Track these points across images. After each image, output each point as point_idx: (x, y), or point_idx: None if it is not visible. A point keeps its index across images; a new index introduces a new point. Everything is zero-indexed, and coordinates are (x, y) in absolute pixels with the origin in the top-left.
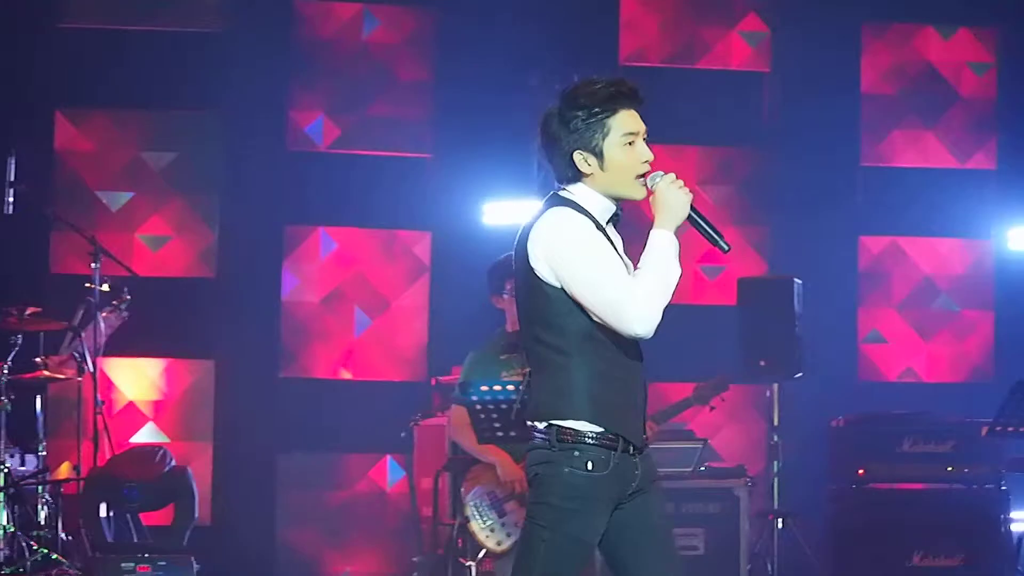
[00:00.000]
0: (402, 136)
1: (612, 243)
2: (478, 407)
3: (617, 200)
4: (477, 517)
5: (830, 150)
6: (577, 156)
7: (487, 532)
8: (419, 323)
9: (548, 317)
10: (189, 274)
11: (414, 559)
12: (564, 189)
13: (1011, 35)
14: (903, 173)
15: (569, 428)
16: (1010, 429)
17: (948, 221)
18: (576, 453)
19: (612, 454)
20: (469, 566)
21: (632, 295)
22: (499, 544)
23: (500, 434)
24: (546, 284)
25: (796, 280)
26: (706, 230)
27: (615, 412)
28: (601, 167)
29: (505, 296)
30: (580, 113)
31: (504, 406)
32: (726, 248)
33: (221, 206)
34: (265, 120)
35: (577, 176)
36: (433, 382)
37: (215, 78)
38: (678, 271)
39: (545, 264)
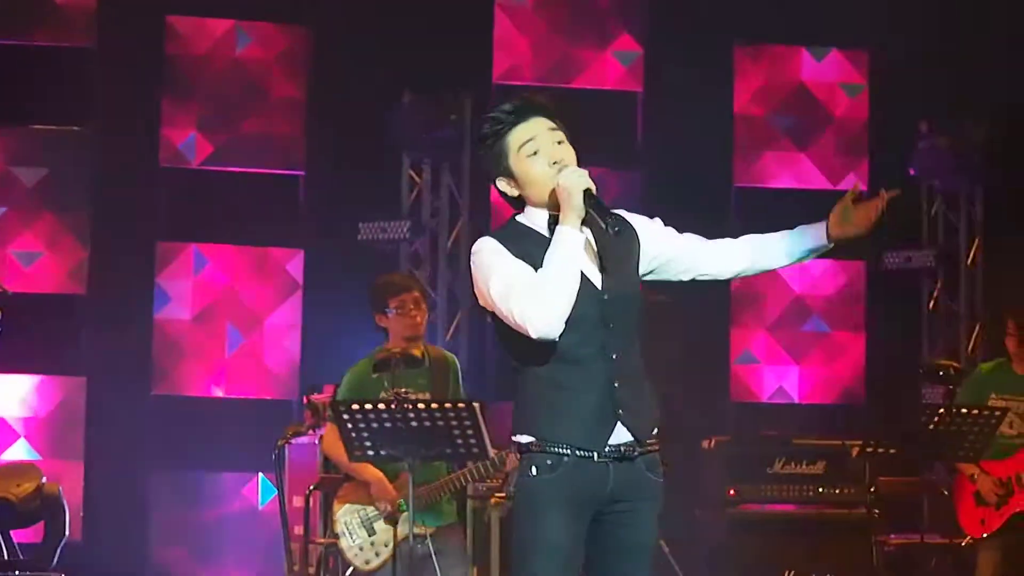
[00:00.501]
0: (275, 153)
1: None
2: (349, 425)
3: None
4: (347, 535)
5: (703, 171)
6: (500, 184)
7: (356, 551)
8: (291, 341)
9: (500, 340)
10: (61, 290)
11: None
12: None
13: (883, 56)
14: (775, 194)
15: (523, 442)
16: (880, 451)
17: None
18: (524, 463)
19: (561, 459)
20: None
21: (521, 299)
22: (367, 563)
23: (371, 453)
24: (488, 312)
25: (667, 300)
26: (597, 213)
27: (561, 421)
28: (520, 185)
29: (390, 314)
30: (484, 143)
31: (375, 425)
32: (611, 232)
33: (93, 222)
34: (137, 136)
35: (516, 200)
36: (305, 400)
37: (87, 94)
38: (574, 265)
39: (479, 293)
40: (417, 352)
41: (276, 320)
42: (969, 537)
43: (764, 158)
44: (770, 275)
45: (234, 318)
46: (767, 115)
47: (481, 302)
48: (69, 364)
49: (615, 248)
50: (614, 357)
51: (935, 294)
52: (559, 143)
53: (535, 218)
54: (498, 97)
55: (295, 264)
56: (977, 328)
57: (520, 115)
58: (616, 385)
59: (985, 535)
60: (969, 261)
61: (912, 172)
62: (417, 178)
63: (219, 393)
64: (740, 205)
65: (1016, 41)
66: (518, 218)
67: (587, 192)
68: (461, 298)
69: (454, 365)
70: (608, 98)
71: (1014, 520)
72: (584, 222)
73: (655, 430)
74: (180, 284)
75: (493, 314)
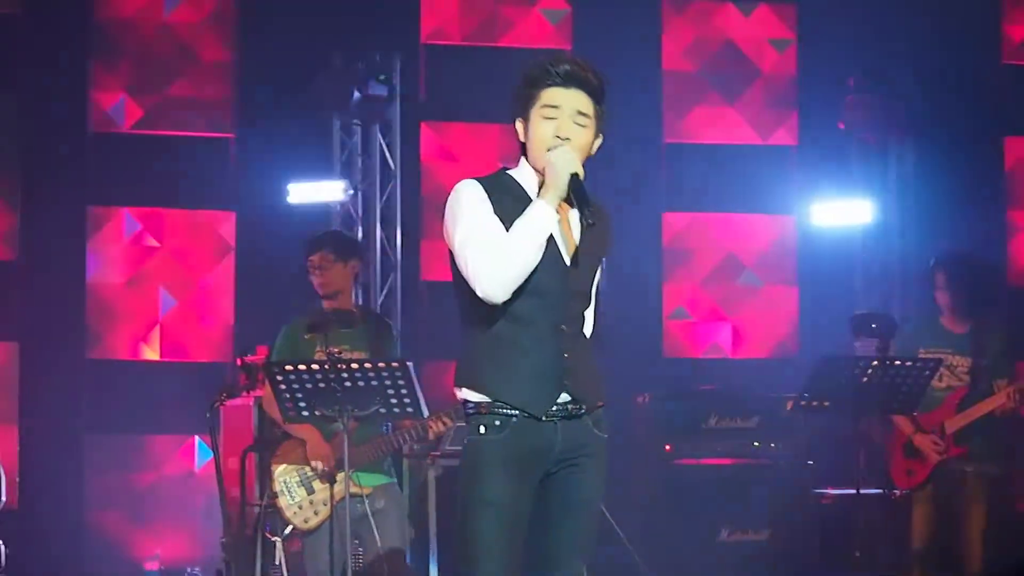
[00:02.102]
0: (205, 116)
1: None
2: (283, 387)
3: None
4: (286, 494)
5: (632, 127)
6: (517, 124)
7: (295, 509)
8: (225, 303)
9: (455, 286)
10: None
11: (222, 540)
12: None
13: (810, 12)
14: (705, 149)
15: (470, 399)
16: (814, 404)
17: (751, 197)
18: (472, 422)
19: (509, 419)
20: (275, 541)
21: (478, 253)
22: (306, 521)
23: (305, 413)
24: (450, 254)
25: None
26: (576, 199)
27: (508, 380)
28: (526, 135)
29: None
30: (524, 81)
31: (309, 385)
32: (587, 222)
33: (23, 188)
34: (66, 101)
35: (522, 146)
36: (239, 362)
37: (14, 59)
38: (538, 240)
39: (445, 232)
40: (352, 312)
41: (209, 283)
42: (899, 489)
43: (693, 114)
44: (701, 231)
45: (167, 281)
46: (696, 71)
47: (446, 239)
48: (1, 330)
49: (593, 232)
50: (564, 328)
51: (866, 247)
52: (578, 124)
53: (525, 175)
54: (559, 54)
55: (227, 227)
56: (909, 280)
57: (567, 80)
58: (566, 356)
59: (913, 486)
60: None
61: (841, 126)
62: (348, 138)
63: (153, 356)
64: (670, 161)
65: None
66: (509, 171)
67: (574, 176)
68: (394, 258)
69: (391, 331)
70: (537, 56)
71: (940, 470)
72: (570, 203)
73: (600, 402)
74: (112, 248)
75: (453, 263)
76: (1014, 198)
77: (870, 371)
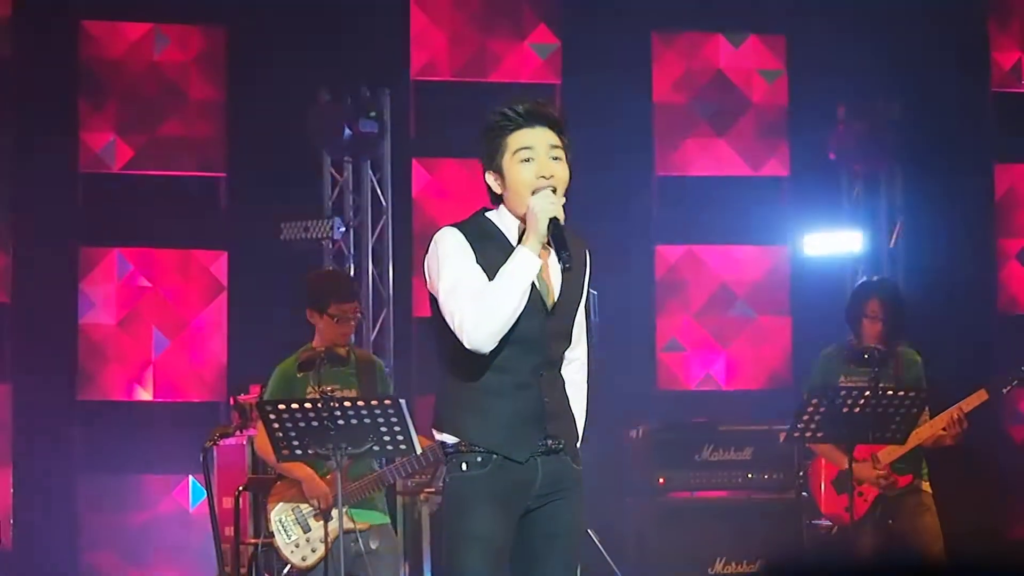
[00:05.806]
0: (195, 155)
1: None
2: (275, 425)
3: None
4: (281, 532)
5: (624, 160)
6: (488, 177)
7: (292, 548)
8: (217, 342)
9: (433, 331)
10: None
11: None
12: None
13: (800, 42)
14: (697, 181)
15: (448, 442)
16: (807, 435)
17: (743, 228)
18: (454, 460)
19: (491, 456)
20: None
21: (463, 305)
22: (304, 560)
23: (299, 452)
24: (432, 298)
25: (592, 291)
26: (555, 243)
27: (488, 426)
28: (504, 185)
29: (326, 318)
30: (486, 133)
31: (302, 424)
32: (566, 267)
33: (14, 230)
34: (56, 142)
35: (496, 197)
36: (232, 401)
37: (3, 101)
38: (522, 288)
39: (428, 279)
40: (342, 351)
41: (201, 322)
42: (836, 525)
43: (685, 145)
44: (694, 263)
45: (159, 321)
46: (686, 103)
47: (428, 287)
48: None
49: (571, 275)
50: (542, 375)
51: (858, 277)
52: (555, 159)
53: (506, 219)
54: (515, 95)
55: (218, 266)
56: None
57: (529, 120)
58: (546, 400)
59: (857, 519)
60: (891, 243)
61: (832, 156)
62: (338, 176)
63: (146, 396)
64: (662, 194)
65: (928, 17)
66: (487, 214)
67: (553, 220)
68: (386, 295)
69: (380, 367)
70: (526, 91)
71: (882, 498)
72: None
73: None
74: (104, 289)
75: (435, 307)
76: (1004, 226)
77: (863, 401)
